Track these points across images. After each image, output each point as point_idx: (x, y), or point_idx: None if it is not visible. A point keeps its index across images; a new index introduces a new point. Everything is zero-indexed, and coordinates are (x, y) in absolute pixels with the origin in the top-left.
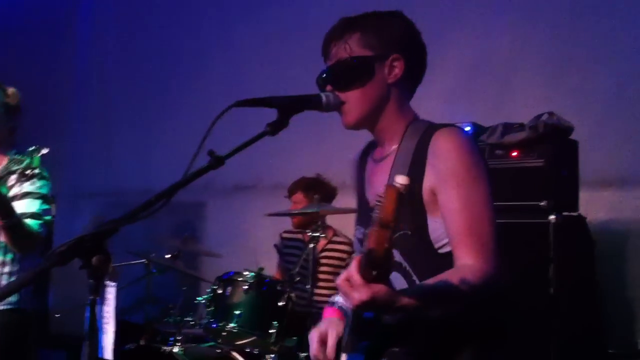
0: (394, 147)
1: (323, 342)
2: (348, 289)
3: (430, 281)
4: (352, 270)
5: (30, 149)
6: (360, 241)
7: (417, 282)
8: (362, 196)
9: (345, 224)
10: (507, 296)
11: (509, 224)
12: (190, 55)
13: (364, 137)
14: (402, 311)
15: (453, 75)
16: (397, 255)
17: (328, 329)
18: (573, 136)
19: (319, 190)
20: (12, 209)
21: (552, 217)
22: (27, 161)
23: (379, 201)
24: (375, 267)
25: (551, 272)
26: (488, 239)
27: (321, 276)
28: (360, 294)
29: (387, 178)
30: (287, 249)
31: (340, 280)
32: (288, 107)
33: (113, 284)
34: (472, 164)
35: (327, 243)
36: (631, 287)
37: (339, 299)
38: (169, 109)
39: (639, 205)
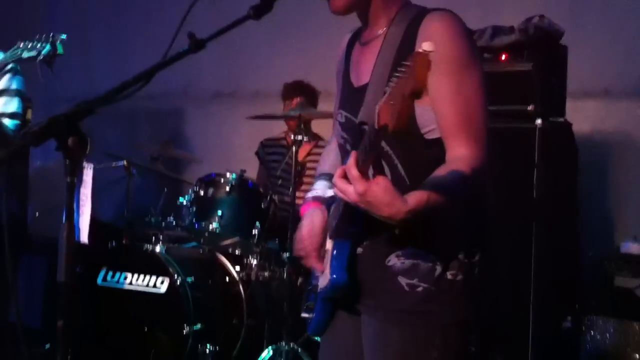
0: (383, 29)
1: (310, 235)
2: (344, 186)
3: (431, 180)
4: (349, 164)
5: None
6: (341, 124)
7: (401, 168)
8: (346, 78)
9: (328, 131)
10: (491, 198)
11: (495, 128)
12: None
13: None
14: (407, 213)
15: None
16: (382, 144)
17: (310, 220)
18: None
19: (304, 93)
20: None
21: (538, 122)
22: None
23: (400, 72)
24: (376, 150)
25: (535, 176)
26: (480, 127)
27: (306, 180)
28: (357, 188)
29: (374, 60)
30: (268, 156)
31: (336, 176)
32: None
33: (90, 165)
34: (465, 50)
35: (313, 147)
36: (611, 196)
37: (313, 192)
38: (147, 8)
39: (622, 117)
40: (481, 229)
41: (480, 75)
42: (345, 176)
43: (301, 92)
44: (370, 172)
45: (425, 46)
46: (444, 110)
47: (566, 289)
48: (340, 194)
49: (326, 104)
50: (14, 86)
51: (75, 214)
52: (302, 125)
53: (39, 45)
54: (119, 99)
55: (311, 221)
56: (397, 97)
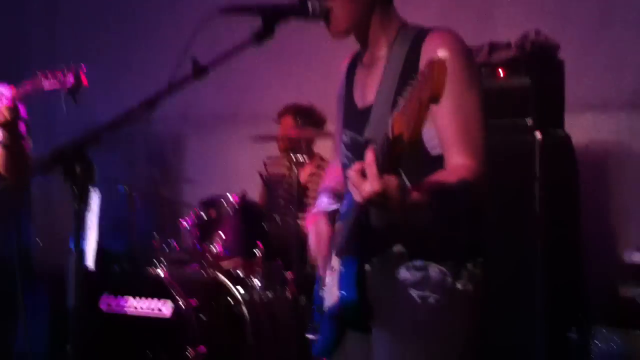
0: (384, 51)
1: (317, 240)
2: (359, 181)
3: (433, 178)
4: (368, 160)
5: None
6: (346, 144)
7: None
8: (350, 100)
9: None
10: (486, 210)
11: (495, 142)
12: None
13: None
14: (410, 207)
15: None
16: None
17: (316, 229)
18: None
19: (307, 116)
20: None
21: (538, 135)
22: None
23: (414, 81)
24: (396, 156)
25: (536, 190)
26: (479, 142)
27: (308, 201)
28: (373, 185)
29: (378, 81)
30: (271, 176)
31: (352, 170)
32: (273, 15)
33: (96, 190)
34: (466, 68)
35: (314, 168)
36: (613, 207)
37: (316, 208)
38: (143, 39)
39: (619, 129)
40: (481, 239)
41: (480, 93)
42: (362, 172)
43: (291, 113)
44: None
45: (440, 54)
46: (445, 125)
47: (571, 300)
48: (353, 188)
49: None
50: None
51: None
52: (304, 146)
53: (61, 76)
54: (125, 125)
55: (317, 230)
56: (413, 105)
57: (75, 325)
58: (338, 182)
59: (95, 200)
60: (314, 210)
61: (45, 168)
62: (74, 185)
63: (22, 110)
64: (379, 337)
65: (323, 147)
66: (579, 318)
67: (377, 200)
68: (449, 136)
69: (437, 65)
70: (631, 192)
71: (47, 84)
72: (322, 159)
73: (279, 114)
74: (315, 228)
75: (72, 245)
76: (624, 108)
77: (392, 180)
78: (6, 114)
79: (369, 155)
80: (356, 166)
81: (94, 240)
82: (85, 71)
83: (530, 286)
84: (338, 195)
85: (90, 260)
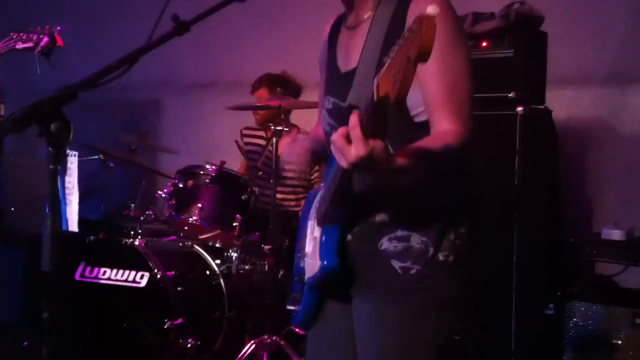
0: (369, 13)
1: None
2: (344, 145)
3: (418, 144)
4: (352, 124)
5: None
6: (329, 111)
7: (391, 150)
8: (333, 64)
9: (310, 123)
10: (475, 173)
11: (476, 115)
12: None
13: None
14: (394, 171)
15: None
16: None
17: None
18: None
19: (283, 85)
20: None
21: (519, 109)
22: None
23: (402, 39)
24: (380, 119)
25: (517, 163)
26: (466, 105)
27: (286, 174)
28: (358, 149)
29: (362, 44)
30: (248, 146)
31: (336, 135)
32: None
33: (74, 153)
34: (453, 29)
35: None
36: (591, 183)
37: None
38: None
39: (599, 103)
40: (467, 207)
41: (467, 55)
42: (346, 136)
43: (265, 84)
44: None
45: (430, 10)
46: (431, 87)
47: (548, 275)
48: (337, 153)
49: (306, 95)
50: None
51: (62, 203)
52: (282, 116)
53: (35, 37)
54: (101, 83)
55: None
56: (401, 64)
57: (50, 291)
58: (318, 144)
59: (74, 162)
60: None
61: (18, 125)
62: (49, 145)
63: None
64: (359, 305)
65: (300, 117)
66: (556, 294)
67: (363, 164)
68: (435, 98)
69: (426, 20)
70: (609, 168)
71: (20, 44)
72: (299, 130)
73: (253, 86)
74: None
75: (47, 209)
76: (605, 83)
77: (377, 144)
78: None
79: (353, 119)
80: (340, 130)
81: (76, 203)
82: (59, 31)
83: (507, 261)
84: (315, 154)
85: (73, 224)
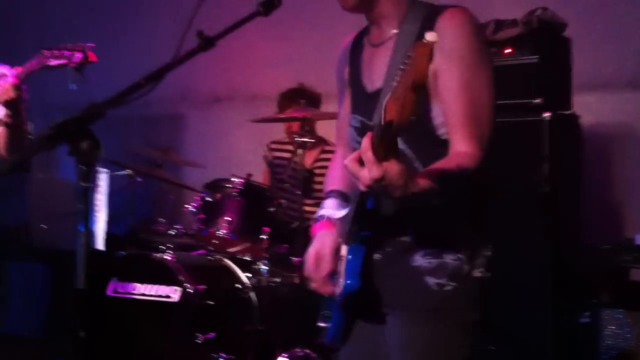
0: (395, 30)
1: (318, 259)
2: (357, 169)
3: (436, 166)
4: (364, 147)
5: None
6: (356, 129)
7: (419, 166)
8: (358, 83)
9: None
10: (489, 185)
11: (502, 122)
12: None
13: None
14: (414, 194)
15: None
16: (400, 143)
17: (320, 243)
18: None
19: (308, 97)
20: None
21: (546, 114)
22: None
23: (403, 64)
24: (391, 142)
25: (545, 170)
26: (485, 125)
27: (316, 187)
28: (372, 172)
29: (387, 62)
30: (276, 160)
31: (348, 160)
32: None
33: (104, 170)
34: (478, 46)
35: (320, 153)
36: (618, 188)
37: (324, 211)
38: (140, 15)
39: (622, 109)
40: (486, 224)
41: (490, 74)
42: (359, 160)
43: (299, 97)
44: None
45: (428, 37)
46: (452, 105)
47: (580, 283)
48: (353, 177)
49: (325, 106)
50: None
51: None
52: (307, 127)
53: (68, 53)
54: (130, 100)
55: (321, 245)
56: (402, 90)
57: (83, 309)
58: (346, 184)
59: (103, 178)
60: (322, 213)
61: (48, 144)
62: (79, 163)
63: (24, 91)
64: (393, 321)
65: (321, 127)
66: (590, 302)
67: (379, 186)
68: (455, 119)
69: (419, 48)
70: (636, 173)
71: (53, 61)
72: (326, 142)
73: (282, 102)
74: (318, 244)
75: (80, 226)
76: (629, 87)
77: (392, 166)
78: (11, 92)
79: (364, 142)
80: (353, 154)
81: (103, 220)
82: (93, 47)
83: (537, 268)
84: (346, 197)
85: (99, 242)
